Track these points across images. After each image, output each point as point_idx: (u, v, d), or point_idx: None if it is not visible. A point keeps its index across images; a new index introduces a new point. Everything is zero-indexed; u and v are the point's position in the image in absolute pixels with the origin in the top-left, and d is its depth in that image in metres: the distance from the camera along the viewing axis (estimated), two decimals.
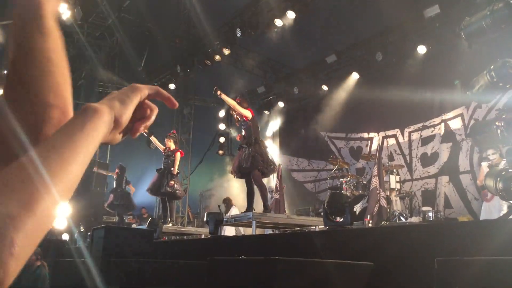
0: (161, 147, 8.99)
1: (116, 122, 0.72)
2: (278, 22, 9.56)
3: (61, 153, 0.59)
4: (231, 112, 7.25)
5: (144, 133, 9.08)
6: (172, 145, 8.82)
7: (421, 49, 9.31)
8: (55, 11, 0.83)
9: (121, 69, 12.72)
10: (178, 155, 8.66)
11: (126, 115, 0.74)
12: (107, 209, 10.45)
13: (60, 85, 0.82)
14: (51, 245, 7.91)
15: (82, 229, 9.31)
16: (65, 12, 9.38)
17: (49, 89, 0.80)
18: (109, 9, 10.23)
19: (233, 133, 13.91)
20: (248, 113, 6.93)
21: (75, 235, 8.57)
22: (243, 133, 7.04)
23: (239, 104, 7.00)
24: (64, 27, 9.91)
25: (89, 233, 7.14)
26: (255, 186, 6.88)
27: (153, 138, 9.16)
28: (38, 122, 0.79)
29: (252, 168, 6.70)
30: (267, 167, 6.82)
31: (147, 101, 0.83)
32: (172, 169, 8.54)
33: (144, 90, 0.80)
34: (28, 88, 0.79)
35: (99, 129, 0.67)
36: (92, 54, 11.42)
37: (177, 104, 0.85)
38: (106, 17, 10.63)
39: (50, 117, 0.80)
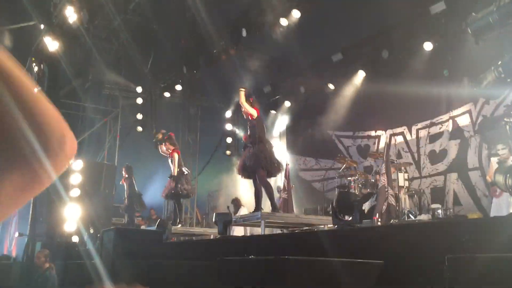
0: (165, 153, 8.96)
1: None
2: (283, 21, 9.55)
3: None
4: (241, 108, 7.30)
5: (157, 139, 9.08)
6: (170, 148, 8.79)
7: (427, 46, 9.25)
8: None
9: (127, 70, 12.77)
10: (175, 155, 8.64)
11: None
12: (123, 212, 10.50)
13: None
14: (60, 247, 7.96)
15: (91, 231, 9.37)
16: (72, 15, 9.43)
17: None
18: (115, 11, 10.27)
19: (240, 133, 13.94)
20: (253, 112, 6.97)
21: (85, 237, 8.62)
22: (248, 132, 7.08)
23: (251, 103, 7.07)
24: (71, 30, 9.97)
25: (98, 235, 7.18)
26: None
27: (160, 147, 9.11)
28: None
29: (256, 167, 6.72)
30: (272, 166, 6.81)
31: None
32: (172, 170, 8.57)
33: None
34: None
35: None
36: (98, 56, 11.46)
37: None
38: (112, 19, 10.67)
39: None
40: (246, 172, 6.97)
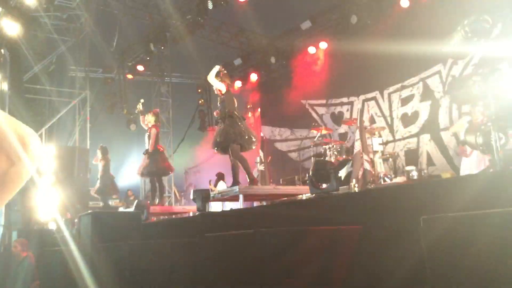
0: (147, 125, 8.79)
1: None
2: None
3: None
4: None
5: (139, 112, 8.94)
6: (152, 121, 8.60)
7: (397, 8, 9.20)
8: None
9: (92, 51, 12.41)
10: (153, 131, 8.48)
11: None
12: (94, 194, 10.35)
13: None
14: (35, 234, 7.84)
15: (69, 216, 9.24)
16: None
17: None
18: None
19: (214, 108, 13.82)
20: (222, 87, 6.92)
21: (61, 223, 8.50)
22: (219, 107, 7.04)
23: (221, 77, 7.00)
24: (30, 11, 9.57)
25: (75, 221, 7.09)
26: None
27: (142, 118, 8.90)
28: None
29: (227, 142, 6.68)
30: (243, 140, 6.75)
31: None
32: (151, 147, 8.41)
33: None
34: None
35: None
36: (59, 38, 11.06)
37: None
38: None
39: None
40: (219, 147, 6.92)
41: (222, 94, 6.97)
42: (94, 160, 10.32)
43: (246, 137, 6.78)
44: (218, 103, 7.11)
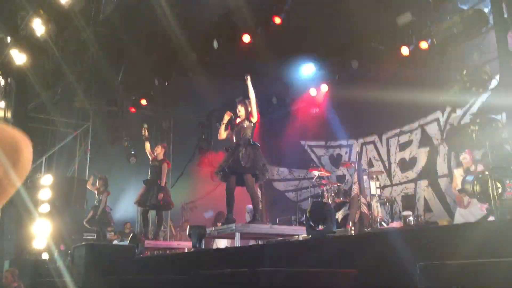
0: (151, 154, 8.84)
1: None
2: (249, 36, 9.58)
3: None
4: (237, 110, 6.88)
5: (143, 136, 8.96)
6: (161, 154, 8.72)
7: (397, 56, 9.42)
8: None
9: (98, 83, 12.58)
10: (165, 166, 8.58)
11: None
12: (86, 225, 10.29)
13: None
14: (28, 265, 7.75)
15: (62, 247, 9.14)
16: (39, 28, 9.26)
17: None
18: (84, 23, 10.12)
19: (214, 145, 13.86)
20: (255, 115, 6.67)
21: (55, 254, 8.41)
22: (241, 133, 6.66)
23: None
24: (39, 43, 9.78)
25: (69, 252, 7.02)
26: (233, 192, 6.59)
27: (147, 144, 8.95)
28: None
29: (251, 170, 6.42)
30: (263, 171, 6.63)
31: None
32: (159, 180, 8.43)
33: None
34: None
35: None
36: (67, 69, 11.25)
37: None
38: (81, 31, 10.51)
39: None
40: (227, 173, 6.48)
41: (251, 121, 6.70)
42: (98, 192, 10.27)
43: (265, 169, 6.67)
44: (239, 129, 6.73)
